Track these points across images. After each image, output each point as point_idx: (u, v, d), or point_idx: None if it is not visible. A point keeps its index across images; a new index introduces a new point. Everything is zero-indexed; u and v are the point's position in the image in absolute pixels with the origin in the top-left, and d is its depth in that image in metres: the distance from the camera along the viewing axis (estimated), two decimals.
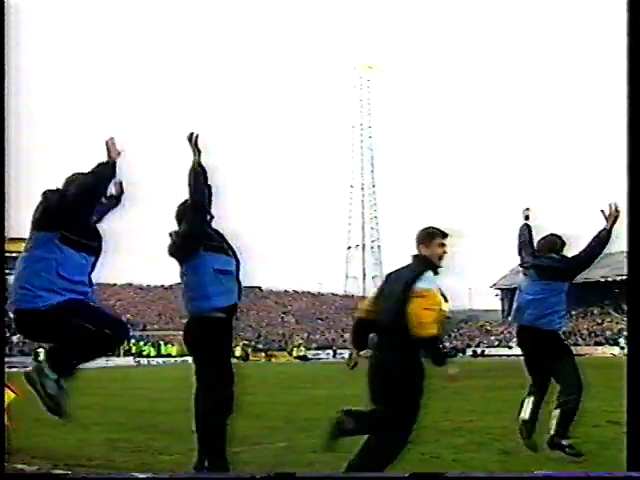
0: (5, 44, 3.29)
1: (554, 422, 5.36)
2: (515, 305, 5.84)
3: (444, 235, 4.32)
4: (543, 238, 5.77)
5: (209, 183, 4.45)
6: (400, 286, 4.20)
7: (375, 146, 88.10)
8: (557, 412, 5.39)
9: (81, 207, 3.76)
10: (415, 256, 4.36)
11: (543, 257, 5.68)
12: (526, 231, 5.88)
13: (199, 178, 4.40)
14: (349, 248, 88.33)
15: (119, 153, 3.86)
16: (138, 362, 42.33)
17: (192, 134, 4.48)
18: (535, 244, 5.78)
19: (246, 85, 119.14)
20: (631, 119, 2.85)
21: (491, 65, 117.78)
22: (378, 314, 4.34)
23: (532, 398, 5.67)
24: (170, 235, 4.60)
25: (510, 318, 5.89)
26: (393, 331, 4.21)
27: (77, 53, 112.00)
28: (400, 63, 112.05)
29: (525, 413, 5.61)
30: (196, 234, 4.44)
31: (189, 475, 4.46)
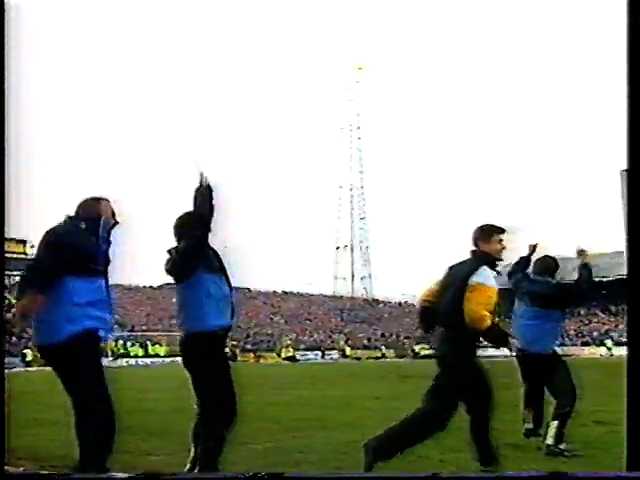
0: (5, 44, 3.28)
1: (552, 432, 5.60)
2: (512, 329, 6.07)
3: (502, 231, 4.51)
4: (538, 259, 6.01)
5: (213, 203, 4.42)
6: (457, 281, 4.40)
7: (364, 147, 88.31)
8: (555, 423, 5.61)
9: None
10: (473, 251, 4.54)
11: (538, 283, 5.92)
12: (523, 262, 6.17)
13: (206, 198, 4.38)
14: (338, 249, 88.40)
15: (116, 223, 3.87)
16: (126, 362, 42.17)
17: (198, 164, 4.47)
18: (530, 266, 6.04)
19: (236, 86, 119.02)
20: (631, 119, 2.87)
21: (481, 65, 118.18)
22: (439, 306, 4.53)
23: (532, 410, 5.96)
24: (169, 252, 4.55)
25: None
26: (451, 324, 4.42)
27: (77, 53, 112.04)
28: (389, 64, 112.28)
29: (530, 424, 5.94)
30: (198, 251, 4.42)
31: (176, 475, 4.44)
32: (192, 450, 4.55)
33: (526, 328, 5.90)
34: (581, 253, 5.89)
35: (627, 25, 2.97)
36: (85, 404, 3.80)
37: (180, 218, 4.57)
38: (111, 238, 3.96)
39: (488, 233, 4.53)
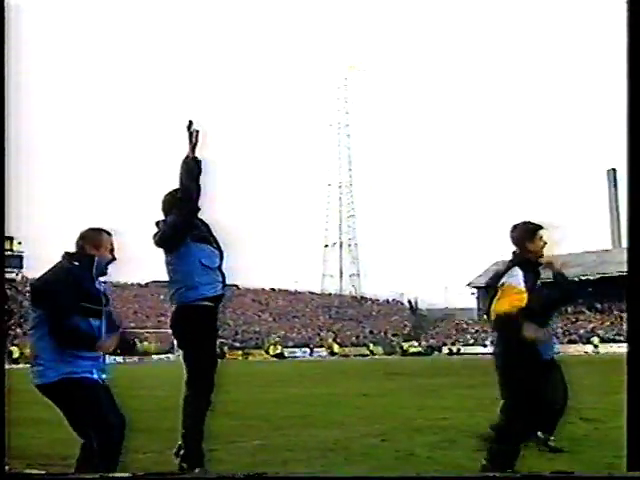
0: (5, 44, 3.27)
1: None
2: None
3: (543, 228, 4.50)
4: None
5: (200, 175, 4.46)
6: (493, 284, 4.44)
7: (353, 145, 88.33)
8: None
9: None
10: (513, 252, 4.50)
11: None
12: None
13: (194, 169, 4.42)
14: (326, 246, 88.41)
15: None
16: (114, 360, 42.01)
17: (191, 124, 4.47)
18: None
19: (225, 83, 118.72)
20: (631, 119, 2.87)
21: (470, 64, 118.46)
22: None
23: None
24: (157, 224, 4.61)
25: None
26: (493, 327, 4.49)
27: (77, 53, 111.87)
28: (379, 63, 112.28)
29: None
30: (186, 224, 4.47)
31: (180, 474, 4.41)
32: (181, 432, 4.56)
33: None
34: (548, 265, 5.77)
35: (627, 25, 2.97)
36: (86, 437, 3.79)
37: (169, 194, 4.62)
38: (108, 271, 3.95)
39: (532, 232, 4.46)
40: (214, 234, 4.64)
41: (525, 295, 4.26)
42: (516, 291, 4.27)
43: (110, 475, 3.85)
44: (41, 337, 3.67)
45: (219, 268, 4.60)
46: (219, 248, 4.62)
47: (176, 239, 4.48)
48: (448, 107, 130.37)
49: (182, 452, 4.42)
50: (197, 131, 4.47)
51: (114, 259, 3.90)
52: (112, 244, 3.91)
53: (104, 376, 3.77)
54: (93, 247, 3.81)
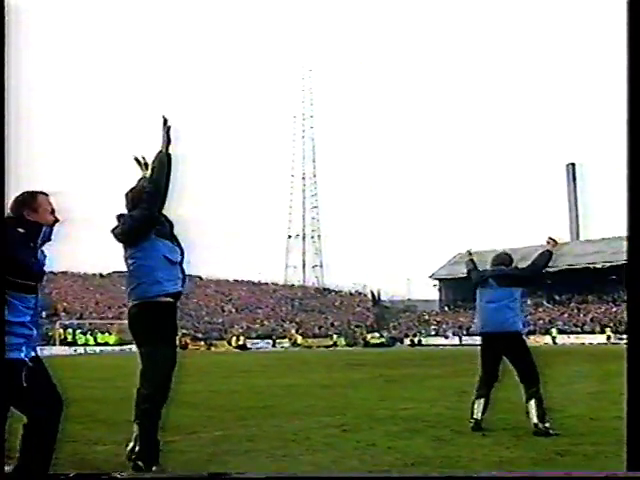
0: (5, 44, 3.20)
1: (534, 412, 6.00)
2: (479, 316, 6.58)
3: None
4: (497, 255, 6.67)
5: (171, 171, 4.45)
6: None
7: (317, 136, 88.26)
8: (532, 402, 6.04)
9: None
10: None
11: (497, 268, 6.54)
12: (471, 263, 6.87)
13: (165, 165, 4.42)
14: (289, 237, 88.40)
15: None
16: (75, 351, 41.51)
17: (166, 120, 4.48)
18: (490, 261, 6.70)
19: (188, 73, 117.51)
20: (631, 119, 2.91)
21: (434, 54, 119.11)
22: None
23: (482, 400, 6.28)
24: (119, 218, 4.55)
25: (476, 329, 6.79)
26: None
27: (77, 52, 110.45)
28: (344, 54, 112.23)
29: (478, 414, 6.24)
30: (154, 219, 4.44)
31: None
32: (136, 427, 4.45)
33: (493, 311, 6.32)
34: (550, 241, 6.61)
35: (627, 26, 3.01)
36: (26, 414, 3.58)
37: (134, 188, 4.60)
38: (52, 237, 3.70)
39: None
40: (174, 232, 4.63)
41: None
42: None
43: (110, 475, 3.82)
44: None
45: (180, 264, 4.58)
46: (179, 245, 4.61)
47: (142, 233, 4.43)
48: (413, 98, 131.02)
49: (137, 450, 4.32)
50: (169, 127, 4.48)
51: (57, 221, 3.64)
52: (51, 205, 3.65)
53: (33, 354, 3.47)
54: (32, 211, 3.55)
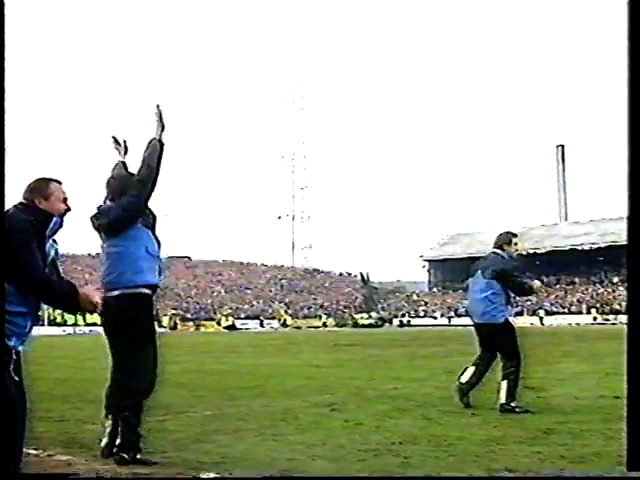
0: (5, 44, 3.16)
1: (503, 391, 6.13)
2: (469, 304, 6.87)
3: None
4: (498, 235, 6.73)
5: (162, 160, 4.37)
6: None
7: (307, 117, 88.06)
8: (504, 383, 6.16)
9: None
10: None
11: (488, 259, 6.63)
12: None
13: (158, 153, 4.34)
14: (279, 218, 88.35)
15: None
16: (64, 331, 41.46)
17: (159, 107, 4.41)
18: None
19: (177, 54, 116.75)
20: (631, 119, 2.90)
21: (420, 39, 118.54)
22: None
23: (474, 368, 6.46)
24: (100, 205, 4.44)
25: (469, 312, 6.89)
26: None
27: (76, 52, 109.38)
28: (332, 37, 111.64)
29: (465, 377, 6.43)
30: (143, 207, 4.35)
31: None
32: (109, 422, 4.31)
33: (479, 301, 6.46)
34: (536, 287, 6.79)
35: (628, 24, 3.00)
36: None
37: (119, 176, 4.51)
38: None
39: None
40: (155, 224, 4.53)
41: None
42: None
43: (110, 475, 3.83)
44: None
45: (159, 258, 4.50)
46: (158, 239, 4.52)
47: (129, 222, 4.33)
48: (403, 80, 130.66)
49: (119, 443, 4.18)
50: (161, 113, 4.41)
51: (69, 209, 3.52)
52: (64, 193, 3.53)
53: (20, 348, 3.26)
54: (43, 199, 3.43)
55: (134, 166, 4.50)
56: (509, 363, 6.21)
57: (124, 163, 4.64)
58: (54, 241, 3.48)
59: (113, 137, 4.71)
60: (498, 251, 6.56)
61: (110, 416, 4.32)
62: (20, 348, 3.28)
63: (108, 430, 4.29)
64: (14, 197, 3.43)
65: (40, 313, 3.53)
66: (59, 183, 3.53)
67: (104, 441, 4.30)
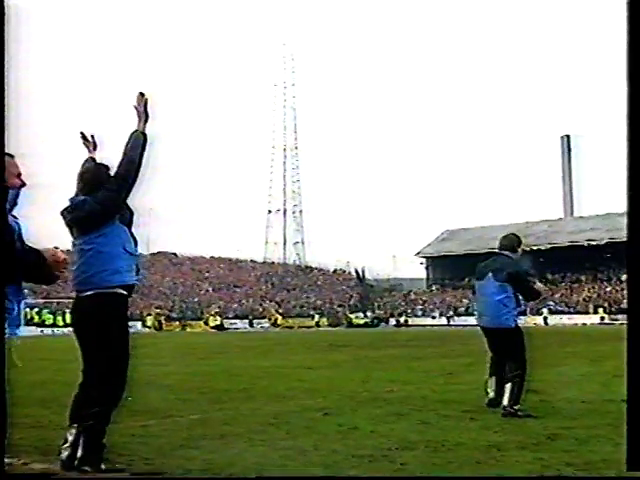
0: (5, 44, 3.15)
1: (507, 394, 6.24)
2: (479, 307, 6.96)
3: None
4: (504, 237, 6.92)
5: (145, 152, 4.30)
6: None
7: (299, 106, 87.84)
8: (508, 386, 6.28)
9: None
10: None
11: (499, 260, 6.70)
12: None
13: (140, 145, 4.28)
14: (270, 212, 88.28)
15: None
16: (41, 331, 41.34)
17: (143, 96, 4.33)
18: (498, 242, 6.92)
19: (165, 42, 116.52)
20: (631, 119, 2.91)
21: (416, 29, 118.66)
22: None
23: (494, 378, 6.61)
24: (78, 199, 4.35)
25: (476, 319, 7.07)
26: None
27: (75, 51, 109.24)
28: (327, 23, 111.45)
29: (491, 392, 6.61)
30: (120, 204, 4.29)
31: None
32: (72, 431, 4.18)
33: (488, 305, 6.58)
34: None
35: (627, 23, 3.00)
36: None
37: (93, 168, 4.44)
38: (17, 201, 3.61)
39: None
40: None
41: None
42: None
43: (110, 475, 3.80)
44: None
45: (136, 257, 4.44)
46: (134, 236, 4.44)
47: (106, 217, 4.26)
48: (400, 71, 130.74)
49: (80, 455, 4.07)
50: (146, 101, 4.33)
51: (24, 184, 3.57)
52: (17, 167, 3.58)
53: (15, 331, 3.34)
54: None
55: (105, 161, 4.46)
56: (515, 366, 6.33)
57: (94, 159, 4.55)
58: (15, 217, 3.54)
59: (81, 133, 4.65)
60: (508, 253, 6.66)
61: (75, 425, 4.19)
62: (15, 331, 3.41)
63: (71, 440, 4.15)
64: None
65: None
66: (12, 157, 3.55)
67: (65, 453, 4.15)
